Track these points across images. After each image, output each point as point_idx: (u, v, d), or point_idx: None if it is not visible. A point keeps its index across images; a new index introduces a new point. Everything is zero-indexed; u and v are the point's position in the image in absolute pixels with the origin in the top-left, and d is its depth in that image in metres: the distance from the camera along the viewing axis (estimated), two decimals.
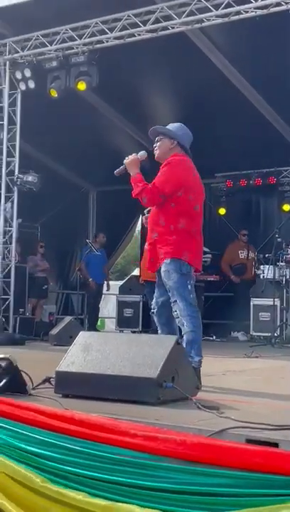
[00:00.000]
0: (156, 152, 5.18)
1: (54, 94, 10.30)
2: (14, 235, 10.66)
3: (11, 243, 10.65)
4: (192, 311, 4.75)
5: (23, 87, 10.63)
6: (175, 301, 4.76)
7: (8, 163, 10.69)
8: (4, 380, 3.53)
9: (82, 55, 9.97)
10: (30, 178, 10.74)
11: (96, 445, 2.76)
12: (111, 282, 13.75)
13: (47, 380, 3.81)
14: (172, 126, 5.26)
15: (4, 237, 10.59)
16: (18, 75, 10.56)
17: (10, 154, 10.74)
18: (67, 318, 9.51)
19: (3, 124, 10.70)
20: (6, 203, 10.64)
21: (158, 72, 10.57)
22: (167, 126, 5.25)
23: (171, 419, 3.02)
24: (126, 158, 5.17)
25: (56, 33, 10.17)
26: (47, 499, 2.72)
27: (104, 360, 3.59)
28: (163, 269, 4.87)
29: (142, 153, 5.18)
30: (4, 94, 10.70)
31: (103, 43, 9.83)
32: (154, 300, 5.18)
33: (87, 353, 3.65)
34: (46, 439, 2.93)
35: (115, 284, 14.15)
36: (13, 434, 3.03)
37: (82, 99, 11.09)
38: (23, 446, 2.96)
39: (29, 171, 10.86)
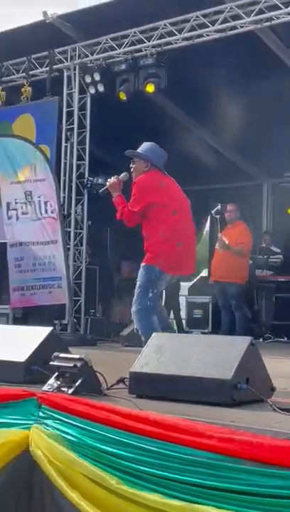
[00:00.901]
0: (133, 174, 5.69)
1: (123, 97, 10.40)
2: (84, 237, 10.82)
3: (81, 245, 10.81)
4: (141, 315, 5.24)
5: (92, 90, 10.77)
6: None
7: (78, 166, 10.85)
8: (79, 381, 3.57)
9: (151, 58, 10.03)
10: (100, 181, 10.84)
11: (171, 446, 2.76)
12: (181, 283, 13.71)
13: (121, 380, 3.84)
14: (144, 148, 5.80)
15: (75, 240, 10.76)
16: (88, 79, 10.70)
17: (80, 157, 10.90)
18: None
19: (73, 127, 10.87)
20: (76, 205, 10.81)
21: (226, 73, 10.50)
22: (140, 148, 5.80)
23: (247, 421, 2.99)
24: (109, 180, 5.72)
25: (125, 36, 10.26)
26: (123, 499, 2.74)
27: (177, 362, 3.59)
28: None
29: (123, 175, 5.73)
30: (74, 98, 10.86)
31: (171, 44, 9.86)
32: None
33: (161, 354, 3.66)
34: (121, 439, 2.94)
35: (184, 285, 14.13)
36: (88, 434, 3.07)
37: (151, 101, 11.13)
38: (99, 445, 2.99)
39: (99, 173, 10.97)
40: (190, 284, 13.87)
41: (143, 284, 5.28)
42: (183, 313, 13.40)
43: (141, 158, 5.60)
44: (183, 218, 5.47)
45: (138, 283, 5.34)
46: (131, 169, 5.78)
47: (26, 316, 9.94)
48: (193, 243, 5.52)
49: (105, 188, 5.76)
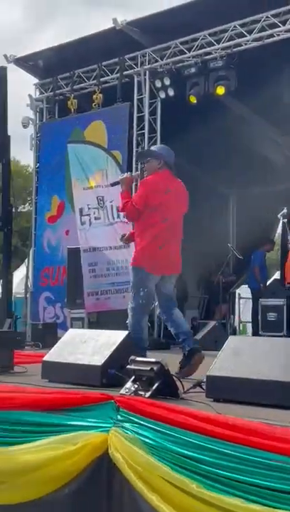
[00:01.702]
0: (145, 174, 5.83)
1: (193, 100, 10.40)
2: None
3: None
4: (134, 312, 5.44)
5: (162, 95, 10.82)
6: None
7: None
8: (156, 384, 3.58)
9: (221, 60, 10.01)
10: None
11: (250, 450, 2.74)
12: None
13: (198, 384, 3.84)
14: (156, 147, 6.18)
15: None
16: (158, 84, 10.77)
17: None
18: (211, 323, 9.53)
19: (144, 132, 10.93)
20: None
21: None
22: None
23: None
24: (122, 175, 6.00)
25: (194, 40, 10.28)
26: (204, 503, 2.74)
27: (254, 365, 3.57)
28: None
29: (135, 174, 6.27)
30: (145, 104, 10.93)
31: (241, 45, 9.80)
32: None
33: (237, 357, 3.65)
34: (200, 443, 2.94)
35: None
36: (167, 438, 3.08)
37: (221, 103, 11.08)
38: (178, 449, 3.00)
39: None
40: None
41: (134, 285, 5.52)
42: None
43: (153, 156, 5.73)
44: (172, 226, 5.66)
45: (130, 283, 5.65)
46: (144, 169, 5.99)
47: (100, 320, 10.05)
48: (177, 246, 5.65)
49: (116, 181, 5.98)
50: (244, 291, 15.60)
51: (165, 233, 5.61)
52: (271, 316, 11.91)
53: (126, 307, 9.87)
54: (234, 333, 13.72)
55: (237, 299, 14.98)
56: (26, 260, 14.01)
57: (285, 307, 11.57)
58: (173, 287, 5.83)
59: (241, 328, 14.17)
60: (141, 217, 5.61)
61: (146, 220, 5.58)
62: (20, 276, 14.65)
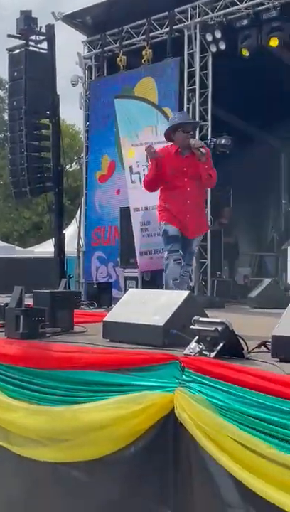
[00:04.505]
0: (197, 141, 6.73)
1: (245, 53, 10.15)
2: (209, 199, 10.71)
3: (206, 207, 10.70)
4: None
5: (213, 49, 10.59)
6: None
7: (201, 127, 10.72)
8: (221, 344, 3.54)
9: (274, 10, 9.70)
10: (223, 141, 10.68)
11: None
12: None
13: (263, 344, 3.78)
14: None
15: None
16: (209, 37, 10.53)
17: (202, 118, 10.77)
18: (266, 281, 9.41)
19: (195, 88, 10.73)
20: None
21: None
22: (175, 116, 7.15)
23: None
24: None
25: None
26: (275, 464, 2.71)
27: None
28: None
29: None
30: (195, 58, 10.71)
31: None
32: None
33: None
34: (269, 404, 2.90)
35: None
36: (235, 398, 3.04)
37: (274, 56, 10.78)
38: (247, 410, 2.96)
39: (222, 133, 10.80)
40: None
41: None
42: None
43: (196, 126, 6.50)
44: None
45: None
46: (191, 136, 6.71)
47: (154, 279, 10.03)
48: None
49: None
50: None
51: None
52: None
53: None
54: (286, 290, 13.58)
55: (288, 256, 14.80)
56: (77, 219, 14.04)
57: None
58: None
59: None
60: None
61: None
62: (69, 235, 14.71)
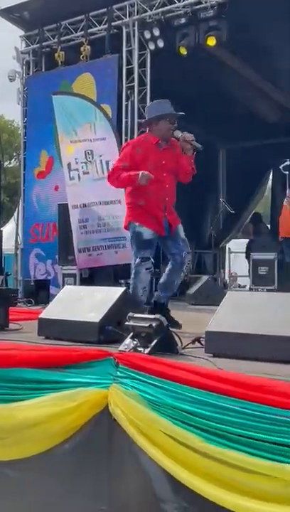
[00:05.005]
0: (187, 134, 5.85)
1: (183, 52, 10.20)
2: None
3: None
4: None
5: (152, 46, 10.60)
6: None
7: (140, 125, 10.73)
8: (155, 340, 3.57)
9: (211, 10, 9.78)
10: None
11: (254, 405, 2.73)
12: (241, 240, 13.65)
13: (197, 339, 3.83)
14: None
15: None
16: (147, 35, 10.54)
17: (141, 115, 10.77)
18: (204, 278, 9.51)
19: (133, 85, 10.75)
20: None
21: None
22: (160, 104, 5.98)
23: None
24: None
25: None
26: (207, 458, 2.75)
27: (255, 320, 3.55)
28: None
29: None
30: (134, 55, 10.72)
31: None
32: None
33: (238, 312, 3.63)
34: (202, 399, 2.94)
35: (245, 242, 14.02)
36: (168, 393, 3.07)
37: (212, 55, 10.88)
38: (179, 404, 2.99)
39: None
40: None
41: None
42: (245, 271, 13.38)
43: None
44: None
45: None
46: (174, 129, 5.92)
47: (93, 277, 10.02)
48: None
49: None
50: (233, 245, 15.66)
51: None
52: (262, 270, 11.96)
53: (118, 263, 9.91)
54: (224, 287, 13.77)
55: (227, 254, 15.03)
56: (15, 217, 13.90)
57: (276, 261, 11.62)
58: None
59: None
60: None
61: None
62: (7, 232, 14.54)
